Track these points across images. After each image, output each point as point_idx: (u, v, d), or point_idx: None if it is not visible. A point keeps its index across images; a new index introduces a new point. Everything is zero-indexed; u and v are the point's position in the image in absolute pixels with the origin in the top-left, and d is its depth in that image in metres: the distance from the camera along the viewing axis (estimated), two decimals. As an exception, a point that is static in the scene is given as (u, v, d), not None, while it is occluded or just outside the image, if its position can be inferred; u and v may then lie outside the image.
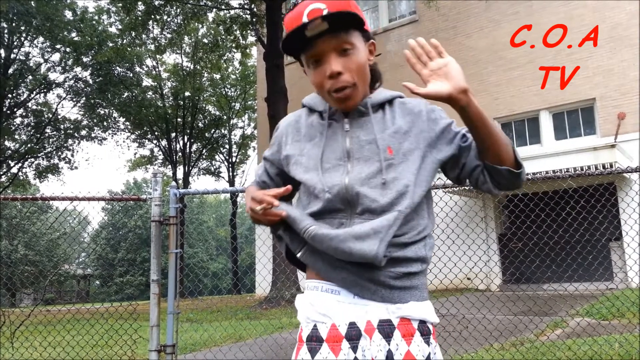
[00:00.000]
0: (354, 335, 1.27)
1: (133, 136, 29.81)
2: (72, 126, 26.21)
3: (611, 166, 10.74)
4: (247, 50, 24.06)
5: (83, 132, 26.72)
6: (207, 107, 31.23)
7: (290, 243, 1.38)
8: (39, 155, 25.61)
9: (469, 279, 9.23)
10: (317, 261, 1.33)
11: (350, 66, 1.33)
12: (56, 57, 24.53)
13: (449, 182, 4.39)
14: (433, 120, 1.41)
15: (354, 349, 1.26)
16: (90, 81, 25.30)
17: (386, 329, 1.27)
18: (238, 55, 28.10)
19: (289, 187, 1.36)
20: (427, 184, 1.37)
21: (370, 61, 1.41)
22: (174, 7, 18.01)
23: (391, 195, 1.30)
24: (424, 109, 1.43)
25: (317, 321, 1.31)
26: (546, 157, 11.85)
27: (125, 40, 19.84)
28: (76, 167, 27.42)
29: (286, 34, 1.32)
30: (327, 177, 1.35)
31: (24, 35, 23.18)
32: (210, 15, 21.83)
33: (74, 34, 23.47)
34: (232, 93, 31.75)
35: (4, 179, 25.17)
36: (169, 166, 29.88)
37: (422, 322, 1.31)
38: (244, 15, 17.37)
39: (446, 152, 1.39)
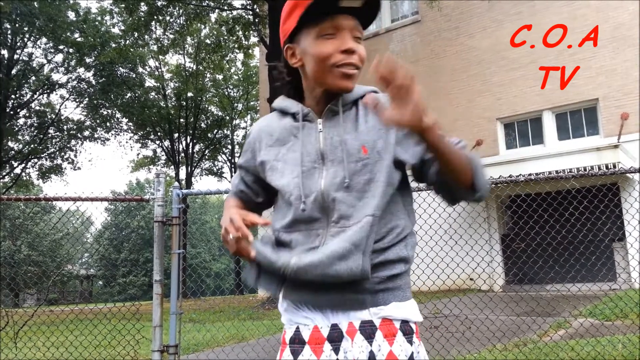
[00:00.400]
0: (335, 337, 1.27)
1: (136, 137, 29.87)
2: (75, 127, 26.27)
3: (614, 166, 10.71)
4: (250, 51, 24.10)
5: (86, 133, 26.79)
6: (209, 108, 31.27)
7: (264, 283, 1.35)
8: (42, 155, 25.68)
9: (471, 279, 9.23)
10: (302, 293, 1.31)
11: (361, 53, 1.35)
12: (59, 57, 24.61)
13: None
14: None
15: (336, 350, 1.26)
16: (93, 82, 25.36)
17: (368, 330, 1.26)
18: (240, 56, 28.13)
19: (268, 221, 1.33)
20: (398, 182, 1.34)
21: None
22: (177, 8, 18.03)
23: (367, 199, 1.28)
24: None
25: (299, 323, 1.31)
26: (549, 158, 11.83)
27: (128, 41, 19.85)
28: (79, 168, 27.48)
29: None
30: (304, 183, 1.32)
31: (27, 36, 23.25)
32: (213, 16, 21.86)
33: (76, 35, 23.53)
34: (235, 94, 31.79)
35: (7, 179, 25.24)
36: (172, 167, 29.93)
37: (405, 322, 1.30)
38: (246, 16, 17.39)
39: (408, 157, 1.33)
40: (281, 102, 1.46)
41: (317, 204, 1.30)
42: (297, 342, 1.30)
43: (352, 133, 1.34)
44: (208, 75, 29.33)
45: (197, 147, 31.19)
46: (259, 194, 1.49)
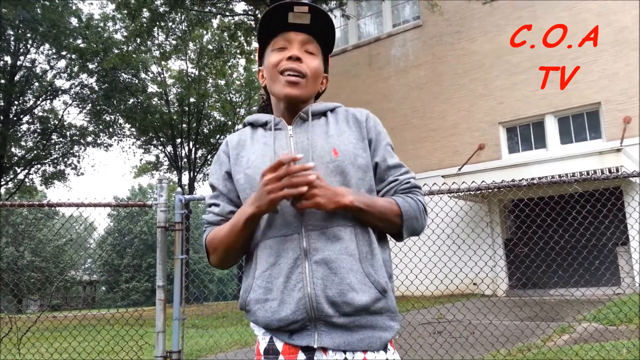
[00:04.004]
0: (310, 347, 1.27)
1: (138, 142, 29.90)
2: (78, 132, 26.32)
3: (617, 170, 10.69)
4: (252, 56, 24.12)
5: (89, 139, 26.82)
6: (212, 113, 31.31)
7: None
8: (45, 161, 25.72)
9: (475, 284, 9.22)
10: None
11: (310, 63, 1.41)
12: (62, 63, 24.80)
13: (454, 186, 4.37)
14: (377, 132, 1.45)
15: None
16: (96, 88, 25.42)
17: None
18: (242, 61, 28.21)
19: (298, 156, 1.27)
20: (374, 189, 1.41)
21: (320, 87, 1.49)
22: (179, 14, 18.10)
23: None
24: (370, 118, 1.47)
25: (273, 334, 1.32)
26: (552, 162, 11.82)
27: (130, 47, 19.92)
28: (82, 174, 27.52)
29: (268, 9, 1.39)
30: None
31: (30, 42, 23.34)
32: (215, 22, 21.95)
33: (79, 41, 23.60)
34: (237, 99, 31.82)
35: (10, 185, 25.29)
36: (174, 172, 29.96)
37: None
38: (247, 22, 17.44)
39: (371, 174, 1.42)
40: (253, 116, 1.52)
41: (291, 207, 1.29)
42: (271, 352, 1.31)
43: (323, 137, 1.39)
44: (210, 80, 29.39)
45: (199, 153, 31.23)
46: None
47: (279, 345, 1.30)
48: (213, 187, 1.48)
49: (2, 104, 22.55)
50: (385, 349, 1.30)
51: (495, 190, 4.47)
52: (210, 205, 1.47)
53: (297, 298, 1.25)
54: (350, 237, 1.30)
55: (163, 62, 27.52)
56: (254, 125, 1.50)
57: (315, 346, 1.25)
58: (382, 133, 1.46)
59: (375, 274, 1.30)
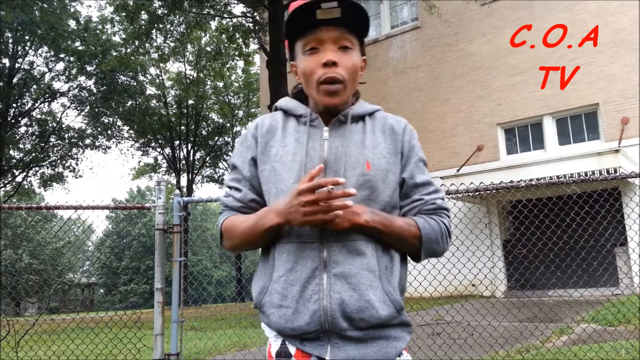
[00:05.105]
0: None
1: (137, 144, 29.91)
2: (76, 135, 26.31)
3: (615, 171, 10.71)
4: (250, 58, 24.18)
5: (87, 141, 26.82)
6: (210, 115, 31.32)
7: None
8: (43, 164, 25.70)
9: (473, 285, 9.22)
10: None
11: (347, 63, 1.32)
12: (60, 66, 24.68)
13: (452, 187, 4.38)
14: (411, 147, 1.40)
15: None
16: (94, 90, 25.42)
17: None
18: (241, 63, 28.22)
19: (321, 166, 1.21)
20: (398, 206, 1.38)
21: (360, 75, 1.39)
22: (177, 16, 18.10)
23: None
24: (407, 131, 1.42)
25: (285, 338, 1.30)
26: (550, 163, 11.83)
27: (129, 49, 19.91)
28: (80, 176, 27.49)
29: (295, 8, 1.28)
30: None
31: (28, 44, 23.33)
32: (213, 24, 21.94)
33: (78, 43, 23.60)
34: (235, 101, 31.83)
35: (9, 187, 25.26)
36: (173, 174, 29.95)
37: None
38: (246, 24, 17.45)
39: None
40: (287, 102, 1.44)
41: None
42: (283, 355, 1.29)
43: (358, 147, 1.33)
44: (209, 82, 29.41)
45: (198, 155, 31.24)
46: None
47: (292, 349, 1.28)
48: (235, 168, 1.42)
49: (1, 106, 22.53)
50: (399, 354, 1.30)
51: (494, 191, 4.47)
52: (230, 187, 1.41)
53: (312, 310, 1.23)
54: (372, 252, 1.27)
55: (161, 64, 27.55)
56: (287, 113, 1.42)
57: (328, 358, 1.24)
58: (415, 147, 1.41)
59: (394, 292, 1.28)
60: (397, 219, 1.31)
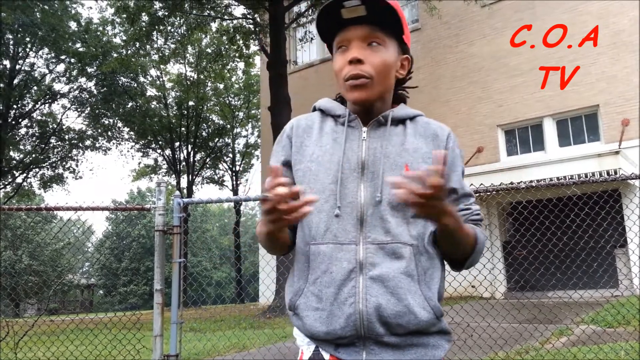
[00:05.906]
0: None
1: (137, 146, 29.92)
2: (76, 136, 26.32)
3: (615, 173, 10.71)
4: (251, 60, 24.20)
5: (87, 142, 26.83)
6: (210, 117, 31.35)
7: None
8: (43, 165, 25.71)
9: (473, 286, 9.18)
10: None
11: (374, 60, 1.28)
12: (61, 67, 24.71)
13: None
14: (455, 156, 1.36)
15: None
16: (95, 91, 25.42)
17: None
18: (241, 65, 28.24)
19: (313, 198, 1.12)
20: None
21: (398, 74, 1.36)
22: (178, 18, 18.12)
23: (407, 224, 1.24)
24: (451, 138, 1.37)
25: (318, 344, 1.26)
26: (550, 164, 11.84)
27: (129, 51, 19.92)
28: (81, 177, 27.58)
29: (321, 9, 1.27)
30: (341, 191, 1.26)
31: (29, 46, 23.35)
32: (214, 26, 21.96)
33: (78, 45, 23.62)
34: (236, 102, 31.86)
35: (9, 189, 25.27)
36: (173, 175, 29.96)
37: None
38: (246, 25, 17.46)
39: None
40: (326, 102, 1.42)
41: (353, 217, 1.24)
42: None
43: (398, 149, 1.30)
44: (209, 84, 29.44)
45: (198, 156, 31.24)
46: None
47: (326, 355, 1.24)
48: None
49: (1, 107, 22.54)
50: None
51: (494, 192, 4.47)
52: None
53: (348, 313, 1.19)
54: (410, 255, 1.22)
55: (162, 66, 27.55)
56: (324, 113, 1.40)
57: None
58: (458, 157, 1.37)
59: (433, 297, 1.24)
60: (465, 223, 1.26)
